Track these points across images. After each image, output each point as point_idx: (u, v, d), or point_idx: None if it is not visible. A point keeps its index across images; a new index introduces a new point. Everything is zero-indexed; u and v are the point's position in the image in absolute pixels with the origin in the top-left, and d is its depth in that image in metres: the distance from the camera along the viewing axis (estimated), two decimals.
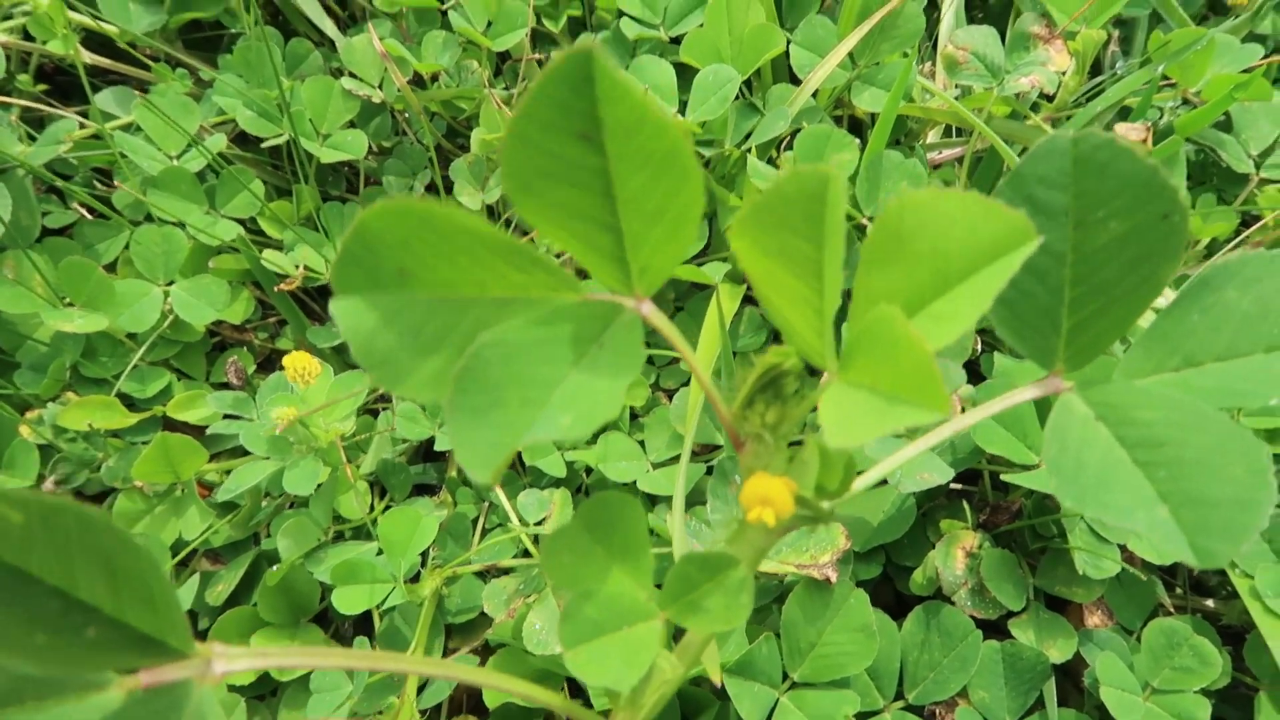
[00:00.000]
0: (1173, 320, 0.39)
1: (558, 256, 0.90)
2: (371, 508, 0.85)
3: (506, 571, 0.79)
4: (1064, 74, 0.96)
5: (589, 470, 0.89)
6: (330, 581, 0.76)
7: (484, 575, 0.82)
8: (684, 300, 0.97)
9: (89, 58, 1.04)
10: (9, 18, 1.05)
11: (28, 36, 1.05)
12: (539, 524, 0.79)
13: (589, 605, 0.36)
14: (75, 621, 0.25)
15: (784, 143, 0.97)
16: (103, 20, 1.03)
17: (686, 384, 0.89)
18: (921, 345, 0.28)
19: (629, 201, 0.33)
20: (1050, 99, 0.99)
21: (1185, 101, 0.99)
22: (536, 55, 1.04)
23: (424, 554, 0.80)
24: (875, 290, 0.34)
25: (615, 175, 0.32)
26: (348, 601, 0.75)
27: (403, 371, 0.35)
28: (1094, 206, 0.36)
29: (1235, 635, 0.77)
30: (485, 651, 0.83)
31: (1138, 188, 0.35)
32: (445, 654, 0.80)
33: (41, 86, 1.07)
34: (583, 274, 0.85)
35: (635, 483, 0.85)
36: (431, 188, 1.03)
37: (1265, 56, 1.00)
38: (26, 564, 0.23)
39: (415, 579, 0.79)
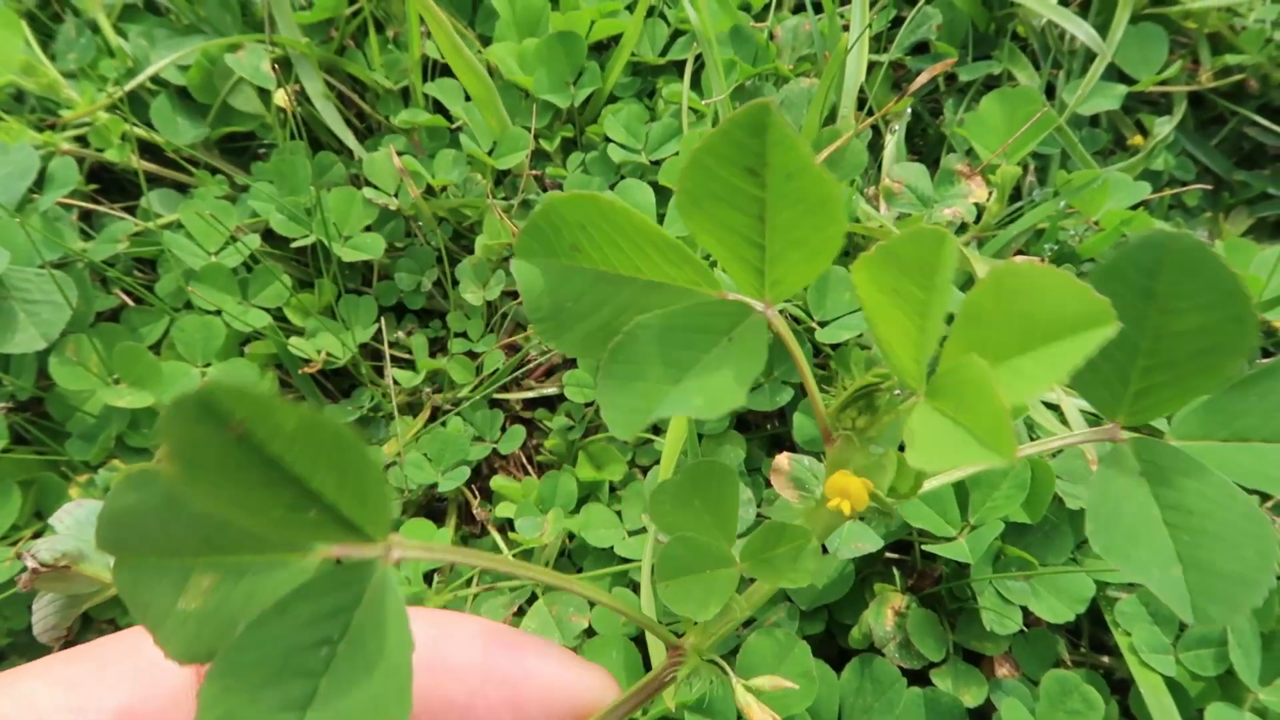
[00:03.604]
0: (1232, 397, 0.43)
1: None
2: None
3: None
4: (986, 201, 1.13)
5: (571, 536, 1.01)
6: None
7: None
8: None
9: (137, 163, 1.18)
10: (66, 127, 1.19)
11: (82, 142, 1.19)
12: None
13: (683, 548, 0.43)
14: (304, 504, 0.31)
15: None
16: (152, 131, 1.18)
17: (658, 462, 1.02)
18: (999, 397, 0.33)
19: (777, 228, 0.39)
20: (977, 221, 1.16)
21: (1090, 226, 1.15)
22: (534, 171, 1.19)
23: (429, 576, 0.92)
24: (970, 337, 0.38)
25: (770, 206, 0.38)
26: None
27: (562, 327, 0.41)
28: (1178, 298, 0.40)
29: (1125, 687, 0.90)
30: None
31: (1219, 291, 0.40)
32: None
33: (91, 185, 1.21)
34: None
35: (613, 547, 0.97)
36: (439, 284, 1.17)
37: (1156, 190, 1.17)
38: (284, 457, 0.30)
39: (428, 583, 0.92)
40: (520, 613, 0.94)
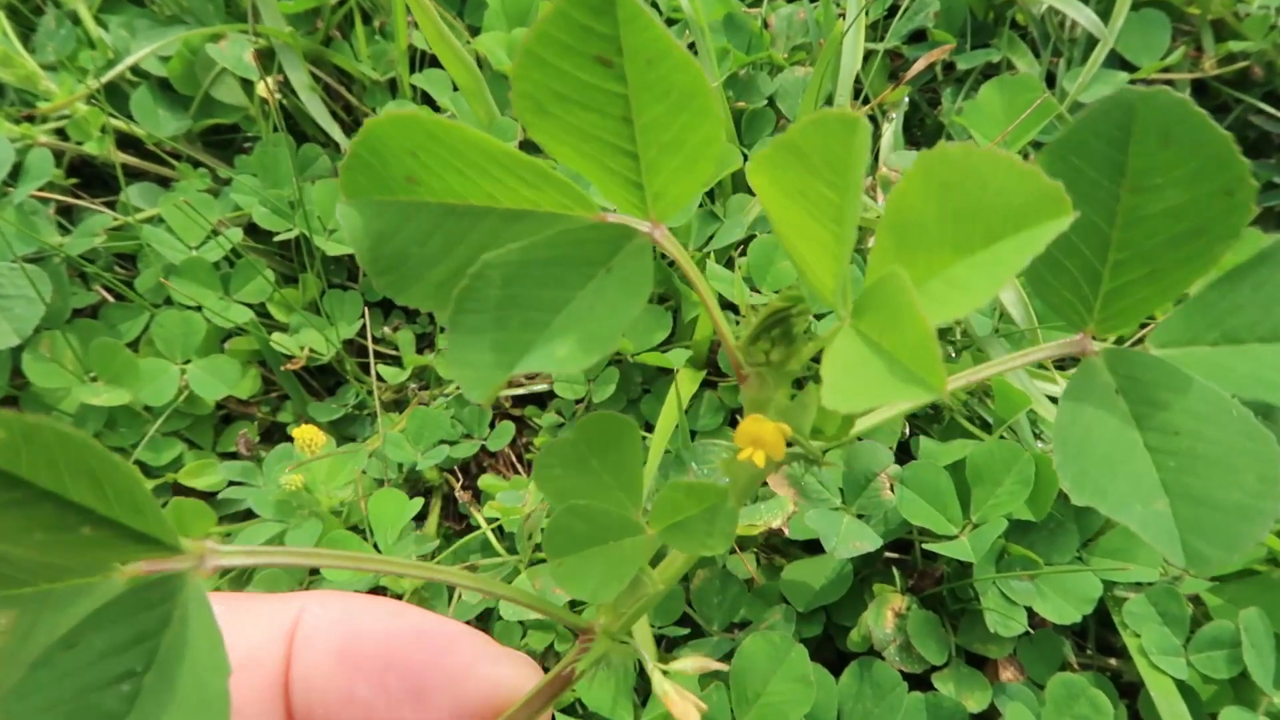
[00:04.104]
0: (1221, 292, 0.36)
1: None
2: None
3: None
4: None
5: None
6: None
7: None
8: (650, 384, 1.08)
9: (114, 155, 1.16)
10: (45, 120, 1.17)
11: (61, 135, 1.16)
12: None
13: (577, 519, 0.36)
14: (70, 521, 0.26)
15: (740, 247, 1.09)
16: (133, 123, 1.15)
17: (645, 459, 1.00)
18: (922, 317, 0.27)
19: (647, 129, 0.32)
20: None
21: None
22: None
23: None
24: (897, 244, 0.32)
25: (635, 102, 0.32)
26: (335, 572, 0.84)
27: (408, 278, 0.34)
28: (1154, 171, 0.33)
29: (1134, 690, 0.87)
30: None
31: (1203, 158, 0.33)
32: None
33: (71, 180, 1.18)
34: None
35: None
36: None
37: None
38: (17, 469, 0.25)
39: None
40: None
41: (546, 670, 0.43)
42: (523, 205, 0.35)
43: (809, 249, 0.34)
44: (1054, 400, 0.88)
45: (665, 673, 0.44)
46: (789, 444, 0.38)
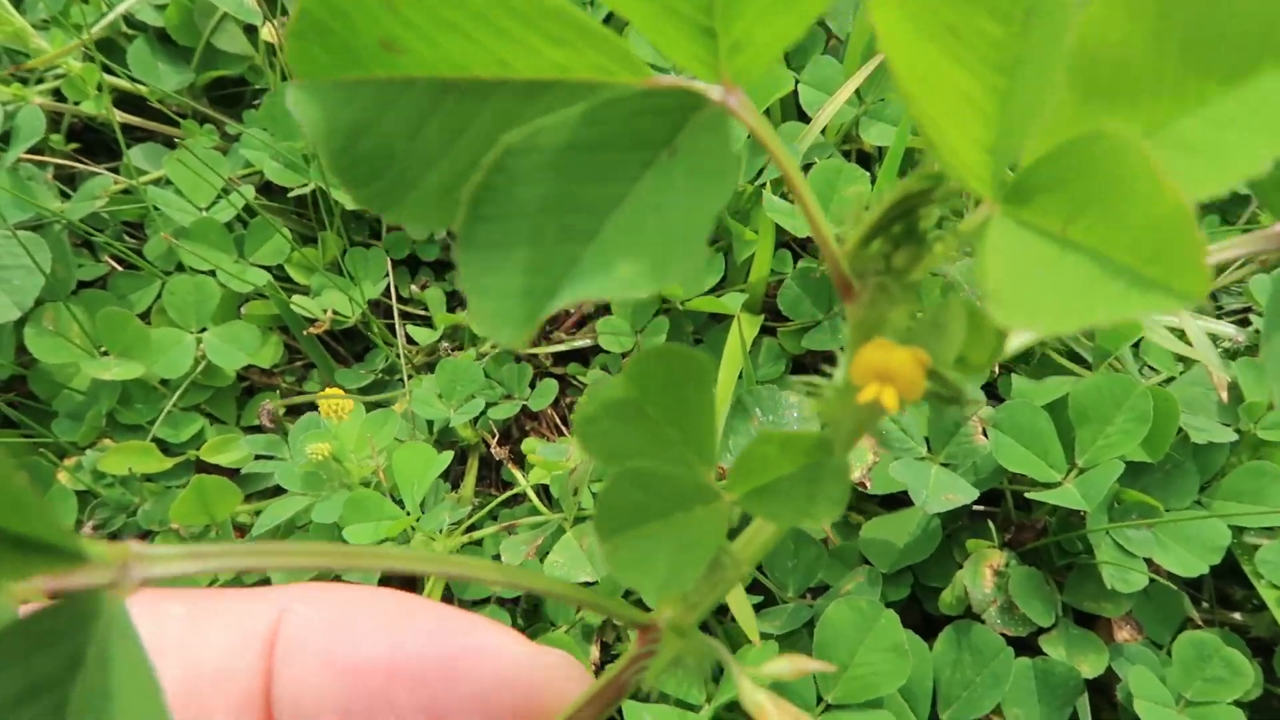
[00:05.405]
0: None
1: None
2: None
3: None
4: None
5: None
6: (340, 523, 0.78)
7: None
8: (702, 333, 0.99)
9: (119, 116, 1.08)
10: (41, 80, 1.09)
11: (59, 97, 1.08)
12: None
13: (635, 487, 0.28)
14: None
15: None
16: (132, 80, 1.07)
17: None
18: (1173, 191, 0.19)
19: None
20: None
21: None
22: None
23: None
24: (1085, 91, 0.24)
25: None
26: (358, 536, 0.77)
27: (398, 186, 0.25)
28: None
29: (1264, 648, 0.78)
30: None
31: None
32: None
33: (72, 145, 1.11)
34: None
35: None
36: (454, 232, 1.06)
37: None
38: None
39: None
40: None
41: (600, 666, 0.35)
42: (547, 74, 0.25)
43: (948, 111, 0.24)
44: (1171, 330, 0.78)
45: (756, 680, 0.36)
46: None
